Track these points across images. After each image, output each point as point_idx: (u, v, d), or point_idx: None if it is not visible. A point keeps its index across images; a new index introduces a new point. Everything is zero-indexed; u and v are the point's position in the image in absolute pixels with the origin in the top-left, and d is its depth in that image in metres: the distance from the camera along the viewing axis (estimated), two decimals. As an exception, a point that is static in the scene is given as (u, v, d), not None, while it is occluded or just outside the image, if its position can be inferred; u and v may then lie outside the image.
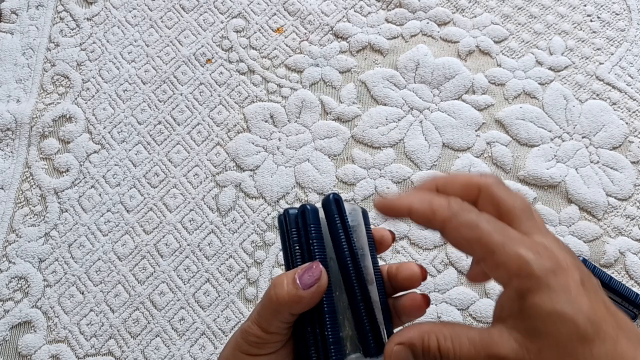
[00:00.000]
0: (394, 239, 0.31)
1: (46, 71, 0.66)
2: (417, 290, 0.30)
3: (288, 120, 0.62)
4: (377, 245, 0.30)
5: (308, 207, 0.27)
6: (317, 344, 0.26)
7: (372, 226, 0.30)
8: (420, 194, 0.25)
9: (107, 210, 0.58)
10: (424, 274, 0.29)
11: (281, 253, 0.56)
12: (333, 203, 0.27)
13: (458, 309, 0.53)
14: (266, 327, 0.26)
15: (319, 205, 0.28)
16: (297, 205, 0.58)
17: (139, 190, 0.59)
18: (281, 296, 0.25)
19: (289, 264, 0.28)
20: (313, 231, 0.27)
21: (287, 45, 0.66)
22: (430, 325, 0.23)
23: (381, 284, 0.29)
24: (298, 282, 0.25)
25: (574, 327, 0.20)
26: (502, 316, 0.22)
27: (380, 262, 0.33)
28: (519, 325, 0.21)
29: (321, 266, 0.26)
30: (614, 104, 0.61)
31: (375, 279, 0.28)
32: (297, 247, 0.27)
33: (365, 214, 0.29)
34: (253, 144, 0.61)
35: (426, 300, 0.29)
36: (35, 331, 0.53)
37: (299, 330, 0.27)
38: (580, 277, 0.21)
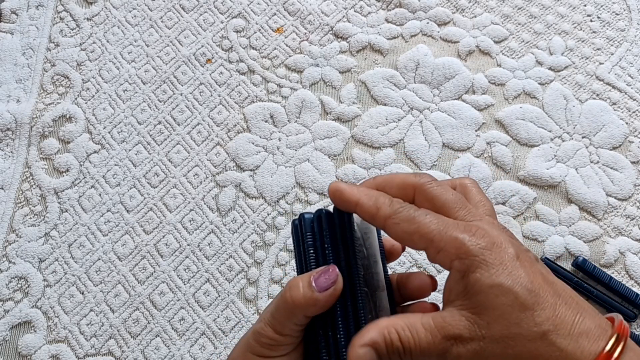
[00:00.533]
0: (403, 249, 0.32)
1: (46, 71, 0.66)
2: (426, 300, 0.30)
3: (288, 120, 0.62)
4: (387, 255, 0.30)
5: (324, 211, 0.28)
6: (328, 347, 0.26)
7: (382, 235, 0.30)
8: (368, 190, 0.26)
9: (107, 210, 0.58)
10: (434, 285, 0.30)
11: (281, 253, 0.56)
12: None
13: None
14: (280, 329, 0.26)
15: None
16: (298, 206, 0.58)
17: (139, 190, 0.59)
18: (297, 298, 0.25)
19: (302, 267, 0.28)
20: (328, 236, 0.27)
21: (287, 45, 0.66)
22: (386, 320, 0.24)
23: (391, 292, 0.29)
24: (314, 284, 0.25)
25: (514, 297, 0.21)
26: (451, 299, 0.23)
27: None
28: (466, 303, 0.22)
29: (337, 269, 0.26)
30: (614, 104, 0.61)
31: (385, 286, 0.28)
32: (312, 251, 0.27)
33: None
34: (253, 144, 0.61)
35: (436, 310, 0.29)
36: (35, 331, 0.53)
37: (310, 332, 0.27)
38: (515, 252, 0.23)
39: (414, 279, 0.30)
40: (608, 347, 0.21)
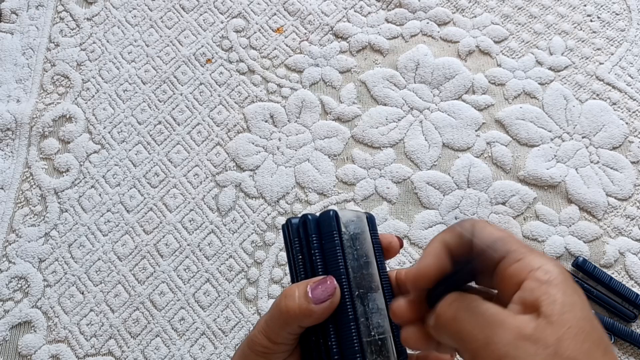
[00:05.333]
0: (401, 245, 0.31)
1: (46, 71, 0.66)
2: None
3: (288, 120, 0.62)
4: (384, 252, 0.29)
5: (309, 217, 0.27)
6: (320, 353, 0.26)
7: (380, 232, 0.30)
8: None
9: (107, 210, 0.58)
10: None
11: (282, 253, 0.56)
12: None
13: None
14: (273, 338, 0.25)
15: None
16: (298, 206, 0.58)
17: (139, 190, 0.59)
18: (292, 308, 0.24)
19: (293, 273, 0.28)
20: (315, 241, 0.27)
21: (287, 45, 0.66)
22: None
23: (389, 290, 0.28)
24: (310, 295, 0.24)
25: None
26: None
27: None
28: None
29: (335, 281, 0.25)
30: (614, 104, 0.61)
31: (382, 286, 0.27)
32: (300, 257, 0.27)
33: (370, 219, 0.29)
34: (253, 144, 0.61)
35: None
36: (35, 331, 0.53)
37: (305, 338, 0.27)
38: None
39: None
40: None
